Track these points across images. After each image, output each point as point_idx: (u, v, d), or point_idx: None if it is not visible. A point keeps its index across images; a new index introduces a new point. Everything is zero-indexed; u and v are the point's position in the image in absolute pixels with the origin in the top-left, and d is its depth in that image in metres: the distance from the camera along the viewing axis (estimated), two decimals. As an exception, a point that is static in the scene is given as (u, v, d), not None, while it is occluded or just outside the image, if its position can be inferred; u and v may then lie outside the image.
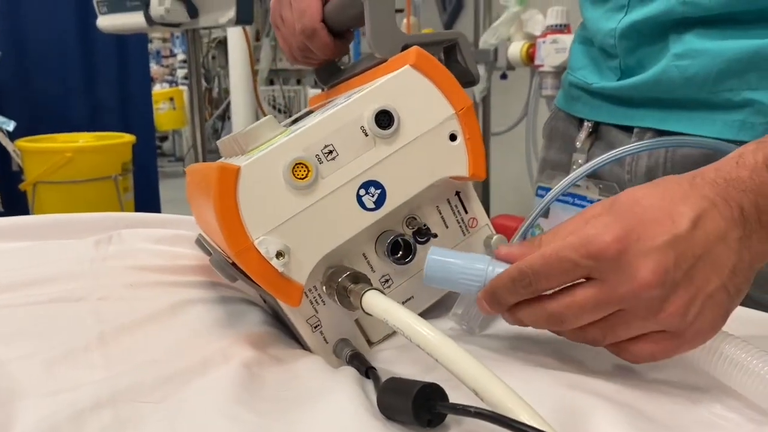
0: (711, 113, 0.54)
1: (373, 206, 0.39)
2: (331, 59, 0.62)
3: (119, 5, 1.55)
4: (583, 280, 0.36)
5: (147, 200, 2.67)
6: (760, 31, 0.50)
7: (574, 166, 0.69)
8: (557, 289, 0.36)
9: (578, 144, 0.68)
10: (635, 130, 0.62)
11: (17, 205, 2.36)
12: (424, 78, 0.41)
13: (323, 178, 0.38)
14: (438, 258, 0.39)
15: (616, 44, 0.61)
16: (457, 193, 0.45)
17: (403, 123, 0.40)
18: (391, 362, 0.42)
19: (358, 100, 0.39)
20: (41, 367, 0.39)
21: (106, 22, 1.63)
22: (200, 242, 0.52)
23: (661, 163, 0.58)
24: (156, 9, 1.43)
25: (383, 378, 0.35)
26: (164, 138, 5.54)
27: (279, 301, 0.41)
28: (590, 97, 0.67)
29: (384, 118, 0.39)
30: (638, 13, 0.58)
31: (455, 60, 0.50)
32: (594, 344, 0.38)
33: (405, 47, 0.46)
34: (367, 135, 0.39)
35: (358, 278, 0.38)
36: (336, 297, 0.39)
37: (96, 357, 0.41)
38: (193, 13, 1.46)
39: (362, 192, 0.39)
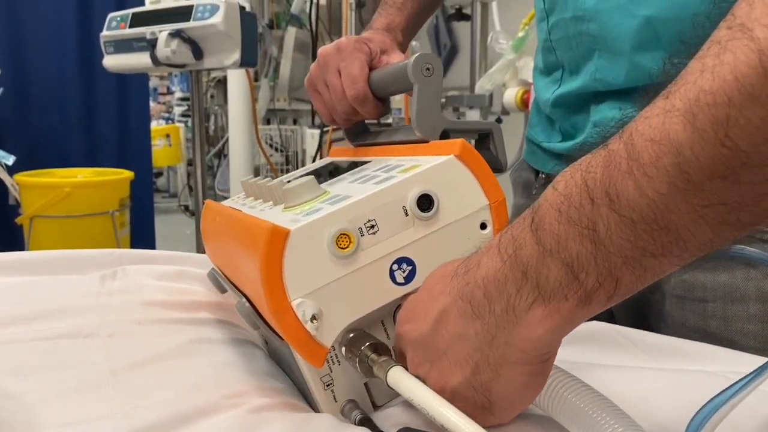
0: None
1: (402, 281, 0.41)
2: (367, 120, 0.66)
3: (126, 46, 1.58)
4: None
5: (142, 236, 2.67)
6: None
7: None
8: None
9: (534, 192, 0.77)
10: None
11: (12, 239, 2.35)
12: (465, 168, 0.43)
13: (363, 249, 0.39)
14: None
15: (551, 112, 0.70)
16: None
17: (441, 207, 0.41)
18: (391, 415, 0.42)
19: (404, 182, 0.41)
20: (57, 400, 0.39)
21: (112, 62, 1.65)
22: (213, 277, 0.52)
23: None
24: (162, 50, 1.45)
25: None
26: (159, 174, 5.56)
27: (297, 358, 0.41)
28: (542, 152, 0.75)
29: (425, 202, 0.41)
30: (567, 87, 0.67)
31: (487, 147, 0.52)
32: None
33: (444, 131, 0.49)
34: (407, 215, 0.41)
35: (379, 349, 0.39)
36: (357, 363, 0.40)
37: (110, 392, 0.41)
38: (199, 55, 1.49)
39: (395, 267, 0.41)
